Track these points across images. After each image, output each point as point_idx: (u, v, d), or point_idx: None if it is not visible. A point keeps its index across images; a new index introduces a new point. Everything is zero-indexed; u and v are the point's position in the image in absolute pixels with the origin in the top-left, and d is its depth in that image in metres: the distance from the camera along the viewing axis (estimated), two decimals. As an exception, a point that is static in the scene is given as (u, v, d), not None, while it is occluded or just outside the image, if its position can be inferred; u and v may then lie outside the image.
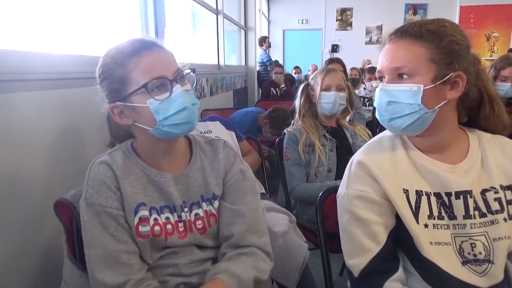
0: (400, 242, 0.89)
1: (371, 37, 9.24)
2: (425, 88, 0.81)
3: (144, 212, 0.89)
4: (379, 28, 9.14)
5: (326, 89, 1.76)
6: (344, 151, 1.75)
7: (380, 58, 0.89)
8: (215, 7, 4.42)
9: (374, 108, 3.52)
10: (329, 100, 1.75)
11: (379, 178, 0.88)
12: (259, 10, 7.35)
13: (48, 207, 1.05)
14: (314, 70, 7.64)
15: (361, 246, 0.87)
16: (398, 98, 0.84)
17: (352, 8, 9.25)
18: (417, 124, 0.84)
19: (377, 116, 0.90)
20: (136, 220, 0.88)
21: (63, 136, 1.30)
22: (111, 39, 1.83)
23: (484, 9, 8.32)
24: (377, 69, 0.90)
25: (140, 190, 0.90)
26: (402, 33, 0.85)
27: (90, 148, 1.46)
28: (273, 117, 2.80)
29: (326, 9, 9.28)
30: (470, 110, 0.92)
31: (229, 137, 1.78)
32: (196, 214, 0.94)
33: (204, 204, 0.95)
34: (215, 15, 4.48)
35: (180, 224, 0.92)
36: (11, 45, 1.23)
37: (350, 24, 9.33)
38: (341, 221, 0.93)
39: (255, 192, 1.00)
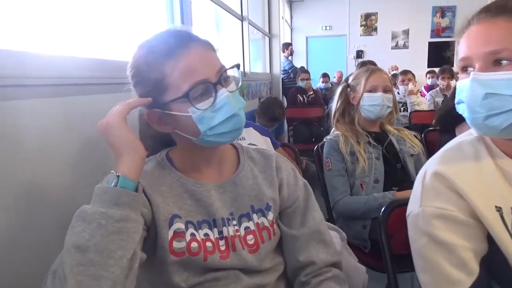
0: (492, 273, 0.73)
1: (397, 41, 8.98)
2: None
3: (179, 225, 0.76)
4: (406, 32, 8.89)
5: (372, 90, 1.60)
6: (392, 158, 1.59)
7: (466, 43, 0.72)
8: (240, 13, 4.36)
9: (410, 113, 3.36)
10: (375, 102, 1.58)
11: (465, 192, 0.71)
12: (282, 17, 7.25)
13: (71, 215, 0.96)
14: (340, 77, 7.49)
15: (447, 277, 0.71)
16: (499, 89, 0.67)
17: (376, 13, 9.03)
18: None
19: (466, 114, 0.72)
20: (171, 233, 0.75)
21: (87, 145, 1.22)
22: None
23: (517, 10, 7.97)
24: (461, 57, 0.73)
25: (172, 203, 0.78)
26: (497, 9, 0.68)
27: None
28: (261, 104, 2.74)
29: (350, 14, 9.07)
30: None
31: (264, 143, 1.66)
32: (247, 228, 0.81)
33: (255, 216, 0.82)
34: (240, 22, 4.41)
35: (221, 242, 0.79)
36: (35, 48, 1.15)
37: (375, 29, 9.10)
38: (416, 246, 0.77)
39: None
